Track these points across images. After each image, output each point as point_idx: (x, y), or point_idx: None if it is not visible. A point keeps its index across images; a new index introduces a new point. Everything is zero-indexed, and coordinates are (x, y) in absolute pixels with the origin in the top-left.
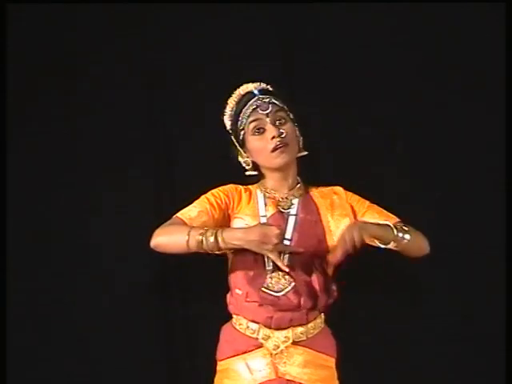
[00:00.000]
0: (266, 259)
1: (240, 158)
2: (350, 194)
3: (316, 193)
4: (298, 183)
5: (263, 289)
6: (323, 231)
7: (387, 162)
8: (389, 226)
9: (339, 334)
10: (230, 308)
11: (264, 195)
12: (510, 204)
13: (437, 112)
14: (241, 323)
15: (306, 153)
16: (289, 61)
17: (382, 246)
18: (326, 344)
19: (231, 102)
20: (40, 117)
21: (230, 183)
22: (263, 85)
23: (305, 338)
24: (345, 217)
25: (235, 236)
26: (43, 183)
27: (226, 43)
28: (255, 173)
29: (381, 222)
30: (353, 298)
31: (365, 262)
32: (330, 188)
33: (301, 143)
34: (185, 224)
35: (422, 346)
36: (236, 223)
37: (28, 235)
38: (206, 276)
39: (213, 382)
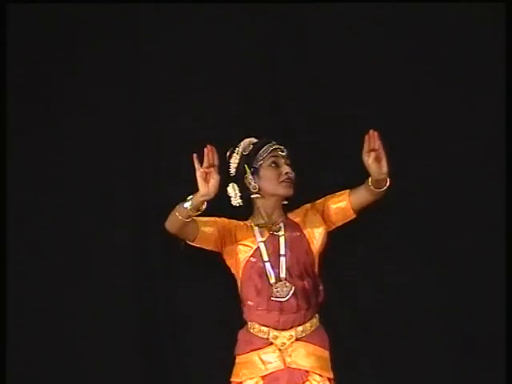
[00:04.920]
0: (268, 275)
1: (247, 183)
2: (312, 204)
3: (293, 215)
4: (280, 211)
5: (272, 298)
6: (308, 244)
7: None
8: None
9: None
10: (245, 316)
11: (257, 225)
12: (510, 204)
13: (437, 112)
14: (254, 327)
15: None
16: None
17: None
18: (321, 339)
19: (248, 144)
20: (39, 117)
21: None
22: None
23: (304, 335)
24: (320, 226)
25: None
26: (43, 183)
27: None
28: (241, 204)
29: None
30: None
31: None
32: (300, 208)
33: None
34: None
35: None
36: (239, 250)
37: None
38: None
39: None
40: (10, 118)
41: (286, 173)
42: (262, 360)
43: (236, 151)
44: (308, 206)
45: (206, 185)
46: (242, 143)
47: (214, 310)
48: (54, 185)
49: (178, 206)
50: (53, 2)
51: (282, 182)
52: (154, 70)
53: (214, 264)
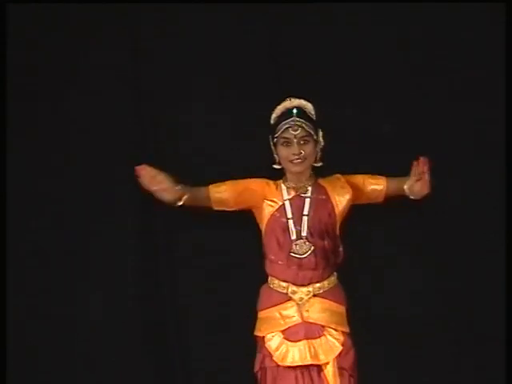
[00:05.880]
0: (290, 231)
1: (274, 154)
2: (344, 176)
3: (323, 181)
4: (310, 177)
5: (291, 253)
6: (332, 207)
7: (388, 160)
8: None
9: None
10: (266, 270)
11: (286, 186)
12: (510, 204)
13: (437, 112)
14: (274, 282)
15: (320, 164)
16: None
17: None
18: (338, 295)
19: (275, 113)
20: (40, 116)
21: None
22: (303, 103)
23: (322, 292)
24: (347, 194)
25: None
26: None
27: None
28: (280, 167)
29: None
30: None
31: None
32: (332, 176)
33: (318, 157)
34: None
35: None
36: (265, 206)
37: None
38: None
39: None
40: (10, 118)
41: (294, 154)
42: (281, 315)
43: (272, 115)
44: (339, 176)
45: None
46: (276, 109)
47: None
48: (54, 184)
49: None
50: (53, 2)
51: (291, 161)
52: (155, 69)
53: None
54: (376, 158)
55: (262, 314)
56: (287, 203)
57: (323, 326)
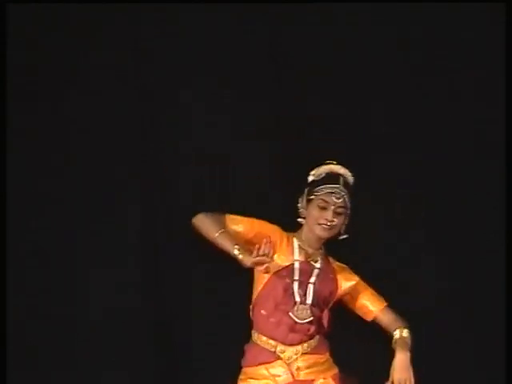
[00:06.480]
0: (294, 293)
1: (300, 206)
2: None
3: (332, 260)
4: (321, 249)
5: (290, 314)
6: (336, 287)
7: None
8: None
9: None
10: (254, 321)
11: (299, 246)
12: (510, 204)
13: (436, 112)
14: (261, 339)
15: (345, 236)
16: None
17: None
18: (321, 347)
19: (322, 171)
20: (40, 116)
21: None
22: (348, 173)
23: (309, 349)
24: (352, 280)
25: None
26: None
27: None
28: (303, 221)
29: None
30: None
31: None
32: (342, 265)
33: (343, 229)
34: (223, 222)
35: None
36: (274, 258)
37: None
38: None
39: None
40: (9, 118)
41: (326, 219)
42: (269, 373)
43: (314, 171)
44: (349, 271)
45: (254, 264)
46: (322, 167)
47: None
48: (54, 184)
49: (222, 237)
50: (53, 2)
51: (320, 224)
52: (155, 69)
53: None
54: (376, 158)
55: (247, 370)
56: (297, 264)
57: (313, 380)
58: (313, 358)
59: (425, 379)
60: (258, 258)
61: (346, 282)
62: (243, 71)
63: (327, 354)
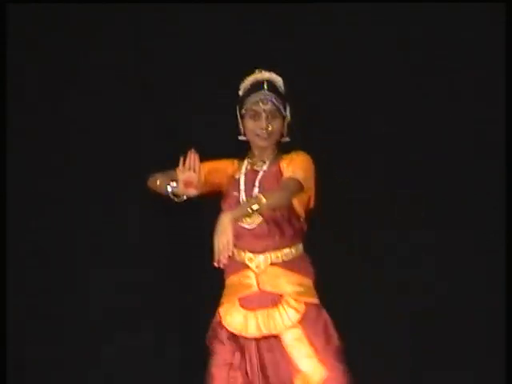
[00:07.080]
0: (241, 203)
1: (240, 125)
2: (299, 152)
3: (284, 155)
4: (273, 151)
5: (239, 223)
6: (281, 176)
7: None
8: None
9: None
10: None
11: (248, 162)
12: (510, 204)
13: (436, 112)
14: (235, 252)
15: (286, 139)
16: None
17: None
18: (300, 266)
19: (245, 84)
20: (40, 116)
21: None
22: (273, 76)
23: (280, 262)
24: (289, 159)
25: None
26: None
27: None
28: (245, 138)
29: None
30: None
31: None
32: (295, 151)
33: (285, 132)
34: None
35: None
36: (226, 181)
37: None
38: None
39: None
40: (9, 118)
41: (261, 128)
42: (240, 282)
43: (241, 85)
44: (302, 152)
45: (183, 188)
46: (246, 79)
47: None
48: (54, 184)
49: (159, 181)
50: (53, 2)
51: (258, 135)
52: (155, 69)
53: None
54: (376, 158)
55: (227, 281)
56: (242, 177)
57: (281, 295)
58: (284, 273)
59: (425, 379)
60: (185, 175)
61: (285, 163)
62: (243, 71)
63: (309, 279)
